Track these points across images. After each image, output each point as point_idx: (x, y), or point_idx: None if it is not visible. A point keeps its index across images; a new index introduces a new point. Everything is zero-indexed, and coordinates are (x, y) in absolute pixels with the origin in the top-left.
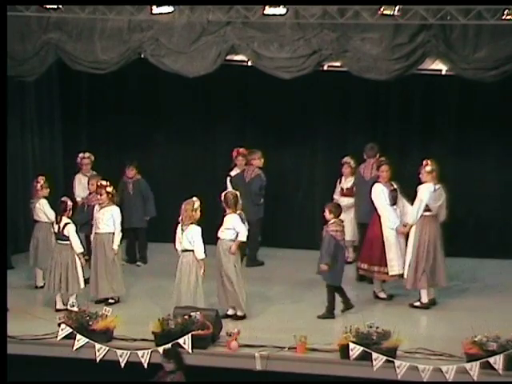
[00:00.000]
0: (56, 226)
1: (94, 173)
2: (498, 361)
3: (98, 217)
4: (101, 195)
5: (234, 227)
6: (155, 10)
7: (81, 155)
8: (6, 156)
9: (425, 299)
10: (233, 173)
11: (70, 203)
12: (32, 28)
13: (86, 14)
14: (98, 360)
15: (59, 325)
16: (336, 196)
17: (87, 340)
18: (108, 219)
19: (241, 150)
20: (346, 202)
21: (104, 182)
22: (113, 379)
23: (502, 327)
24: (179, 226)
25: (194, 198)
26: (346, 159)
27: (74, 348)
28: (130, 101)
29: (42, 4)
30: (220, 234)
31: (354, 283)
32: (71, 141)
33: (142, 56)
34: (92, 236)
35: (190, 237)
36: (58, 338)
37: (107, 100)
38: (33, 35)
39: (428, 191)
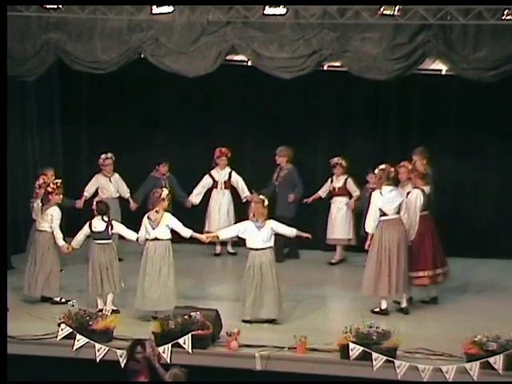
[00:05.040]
0: (100, 226)
1: (116, 174)
2: (498, 361)
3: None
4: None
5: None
6: (155, 10)
7: (103, 156)
8: (6, 156)
9: (384, 305)
10: (213, 172)
11: (108, 203)
12: (32, 28)
13: (85, 14)
14: (98, 360)
15: (59, 325)
16: (322, 194)
17: (87, 340)
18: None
19: (223, 149)
20: (338, 201)
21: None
22: (113, 379)
23: (502, 327)
24: (251, 223)
25: (262, 196)
26: (337, 160)
27: (74, 348)
28: (130, 101)
29: (41, 4)
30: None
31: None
32: (71, 141)
33: (142, 56)
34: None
35: (268, 234)
36: (58, 338)
37: (107, 100)
38: (33, 35)
39: (377, 196)
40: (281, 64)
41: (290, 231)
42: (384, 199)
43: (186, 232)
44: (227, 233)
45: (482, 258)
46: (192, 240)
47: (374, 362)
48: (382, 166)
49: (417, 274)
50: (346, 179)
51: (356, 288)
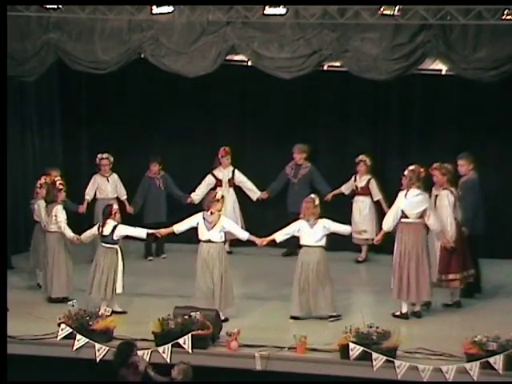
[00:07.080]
0: (108, 229)
1: (115, 174)
2: (498, 361)
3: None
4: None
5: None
6: (155, 10)
7: (99, 156)
8: (6, 156)
9: (404, 309)
10: (216, 171)
11: (115, 206)
12: (32, 28)
13: (85, 14)
14: (97, 360)
15: (59, 325)
16: (345, 191)
17: (87, 340)
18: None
19: (227, 148)
20: (361, 200)
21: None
22: (113, 379)
23: (502, 327)
24: (304, 222)
25: (313, 195)
26: (362, 157)
27: (74, 348)
28: (130, 101)
29: (42, 4)
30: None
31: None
32: (71, 141)
33: (142, 56)
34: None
35: (321, 233)
36: (58, 338)
37: (107, 100)
38: (33, 35)
39: (401, 197)
40: (281, 64)
41: (343, 229)
42: (407, 202)
43: (243, 234)
44: (283, 235)
45: (483, 258)
46: (191, 239)
47: (374, 362)
48: (412, 167)
49: (447, 276)
50: (370, 179)
51: (358, 287)
